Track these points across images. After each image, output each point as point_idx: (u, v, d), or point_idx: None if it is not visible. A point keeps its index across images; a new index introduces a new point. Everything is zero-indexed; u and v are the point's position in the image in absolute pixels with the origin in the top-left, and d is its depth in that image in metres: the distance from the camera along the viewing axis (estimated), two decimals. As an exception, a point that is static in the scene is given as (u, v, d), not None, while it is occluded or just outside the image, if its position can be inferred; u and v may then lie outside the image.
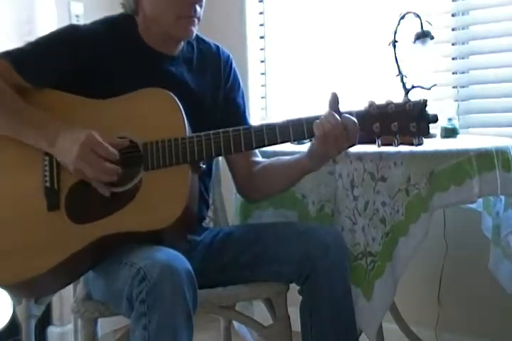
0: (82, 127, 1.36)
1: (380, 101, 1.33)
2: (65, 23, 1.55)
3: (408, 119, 1.28)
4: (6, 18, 2.18)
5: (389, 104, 1.30)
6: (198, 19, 1.50)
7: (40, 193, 1.38)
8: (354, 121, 1.29)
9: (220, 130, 1.38)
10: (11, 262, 1.36)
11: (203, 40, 1.63)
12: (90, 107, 1.44)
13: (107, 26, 1.52)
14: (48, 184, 1.39)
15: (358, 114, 1.31)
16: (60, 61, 1.45)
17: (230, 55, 1.66)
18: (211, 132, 1.38)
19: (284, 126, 1.36)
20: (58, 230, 1.36)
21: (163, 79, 1.49)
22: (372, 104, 1.31)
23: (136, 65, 1.50)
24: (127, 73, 1.48)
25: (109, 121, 1.41)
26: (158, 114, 1.41)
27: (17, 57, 1.44)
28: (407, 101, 1.30)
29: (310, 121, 1.33)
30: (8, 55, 1.45)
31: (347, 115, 1.31)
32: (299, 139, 1.37)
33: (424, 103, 1.28)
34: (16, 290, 1.46)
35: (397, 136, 1.29)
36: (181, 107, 1.40)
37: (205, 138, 1.37)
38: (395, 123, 1.28)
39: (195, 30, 1.51)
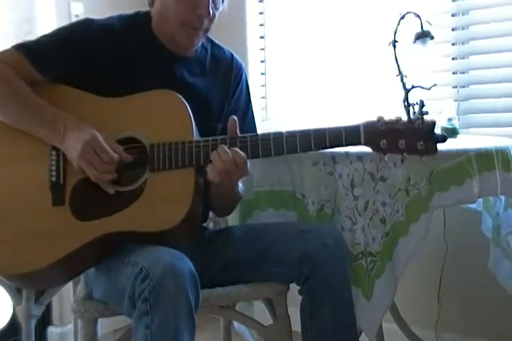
0: (89, 124, 1.36)
1: (389, 116, 1.32)
2: (64, 23, 1.54)
3: (416, 138, 1.28)
4: (5, 17, 2.17)
5: (397, 120, 1.29)
6: (205, 31, 1.50)
7: (45, 187, 1.38)
8: (243, 156, 1.32)
9: (227, 136, 1.37)
10: (9, 253, 1.36)
11: (218, 45, 1.62)
12: (99, 105, 1.44)
13: (123, 23, 1.51)
14: (53, 178, 1.39)
15: (366, 129, 1.30)
16: (73, 55, 1.45)
17: (243, 65, 1.65)
18: (218, 137, 1.37)
19: (292, 135, 1.34)
20: (62, 226, 1.36)
21: (173, 81, 1.49)
22: (380, 120, 1.30)
23: (148, 65, 1.50)
24: (138, 72, 1.48)
25: (118, 120, 1.41)
26: (166, 116, 1.41)
27: (31, 50, 1.44)
28: (415, 119, 1.28)
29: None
30: (23, 47, 1.45)
31: (236, 149, 1.32)
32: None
33: (433, 123, 1.27)
34: (13, 281, 1.46)
35: (404, 153, 1.29)
36: (190, 111, 1.40)
37: (212, 143, 1.36)
38: (403, 141, 1.28)
39: (200, 41, 1.51)
